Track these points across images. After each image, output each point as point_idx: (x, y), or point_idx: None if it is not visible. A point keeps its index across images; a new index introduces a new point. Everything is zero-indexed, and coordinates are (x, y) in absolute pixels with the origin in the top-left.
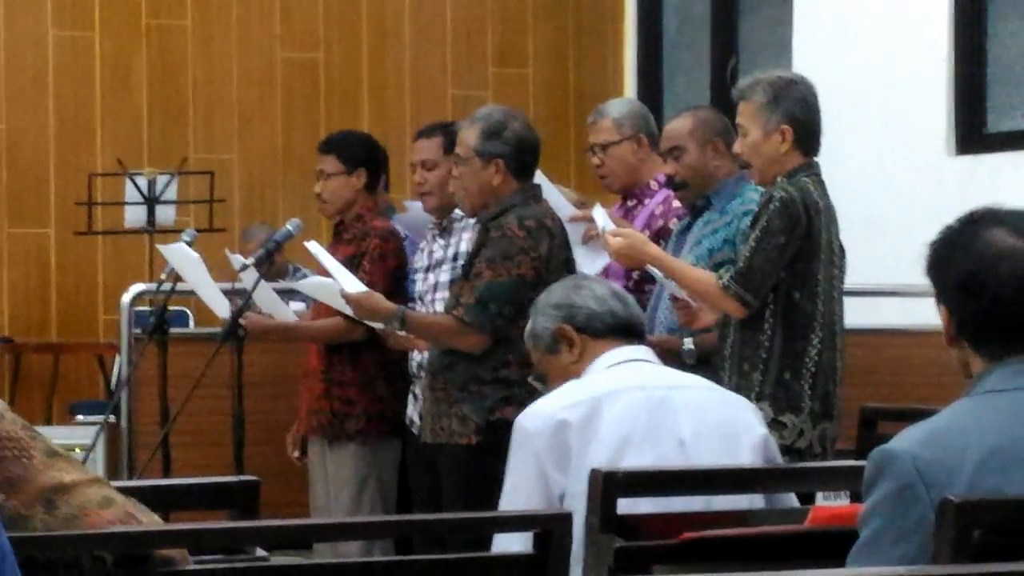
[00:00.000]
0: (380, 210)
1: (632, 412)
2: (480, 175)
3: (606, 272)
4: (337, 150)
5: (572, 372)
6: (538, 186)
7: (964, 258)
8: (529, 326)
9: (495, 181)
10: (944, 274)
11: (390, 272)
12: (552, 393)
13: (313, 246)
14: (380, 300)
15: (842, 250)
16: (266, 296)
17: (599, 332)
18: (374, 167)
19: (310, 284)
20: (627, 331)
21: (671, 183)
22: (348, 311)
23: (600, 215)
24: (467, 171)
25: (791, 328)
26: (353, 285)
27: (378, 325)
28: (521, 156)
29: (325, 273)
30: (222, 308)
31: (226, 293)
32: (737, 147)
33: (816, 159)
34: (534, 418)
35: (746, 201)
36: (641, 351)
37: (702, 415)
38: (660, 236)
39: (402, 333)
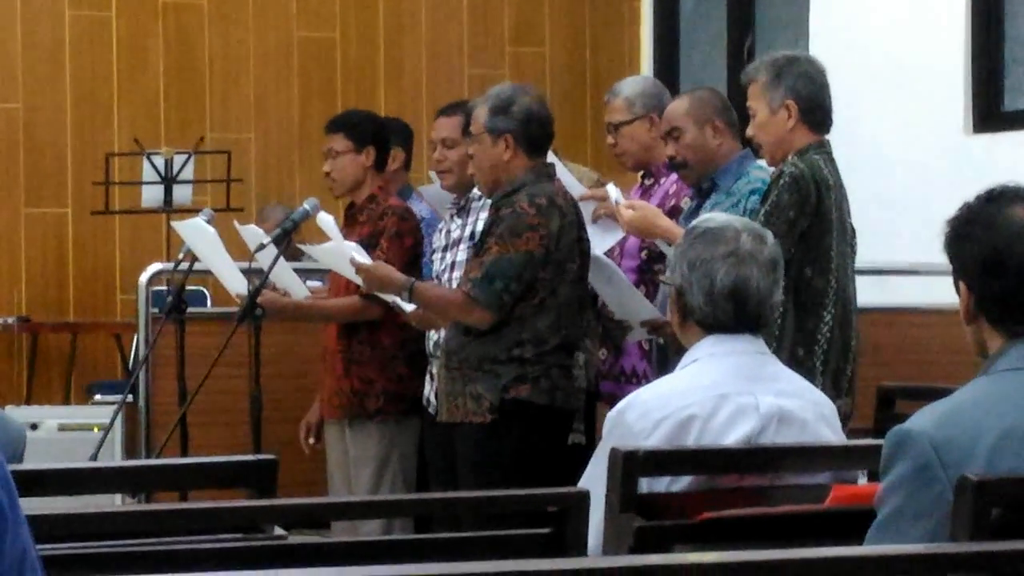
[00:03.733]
0: (399, 189)
1: (741, 423)
2: (491, 151)
3: (620, 249)
4: (345, 128)
5: (680, 333)
6: (551, 164)
7: (984, 236)
8: (676, 250)
9: (505, 156)
10: (963, 252)
11: (407, 250)
12: (655, 387)
13: (324, 220)
14: (390, 271)
15: (853, 229)
16: (283, 274)
17: (699, 323)
18: (382, 145)
19: (321, 250)
20: (734, 328)
21: (672, 164)
22: (357, 278)
23: (613, 191)
24: (479, 148)
25: (803, 305)
26: (364, 259)
27: (390, 298)
28: (530, 131)
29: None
30: (236, 284)
31: (243, 272)
32: (749, 130)
33: (827, 138)
34: (641, 418)
35: (751, 180)
36: (739, 344)
37: (803, 434)
38: (674, 214)
39: (410, 307)
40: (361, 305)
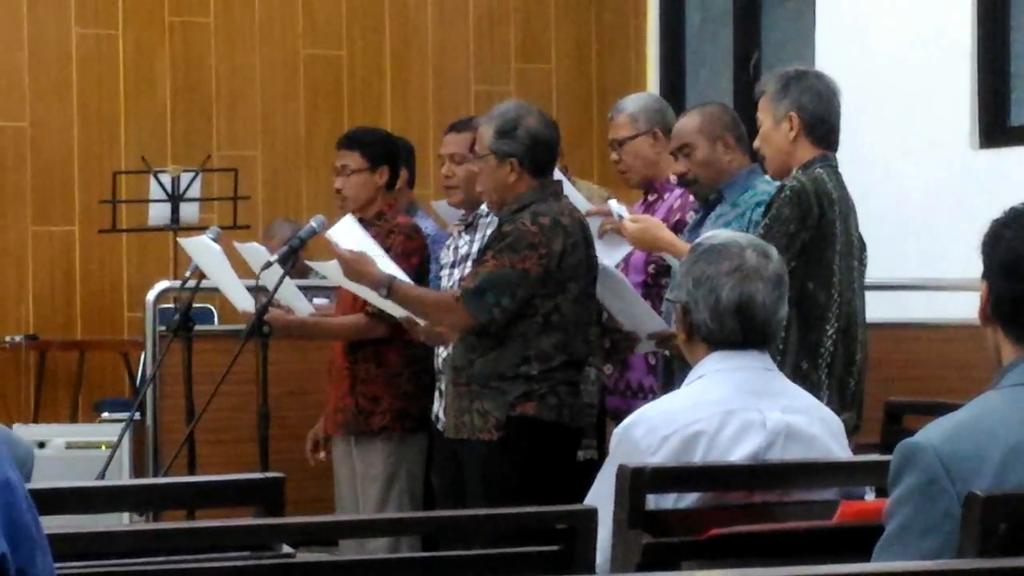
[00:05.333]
0: (403, 207)
1: (748, 439)
2: (496, 173)
3: (627, 264)
4: (361, 147)
5: (686, 350)
6: (559, 182)
7: (1015, 239)
8: (681, 267)
9: (511, 179)
10: (992, 250)
11: (413, 269)
12: (661, 403)
13: (334, 231)
14: (370, 264)
15: (862, 243)
16: (286, 292)
17: (705, 339)
18: (395, 165)
19: (329, 266)
20: (740, 344)
21: (682, 181)
22: (361, 293)
23: (615, 206)
24: (484, 168)
25: (806, 318)
26: (373, 253)
27: (399, 312)
28: (535, 154)
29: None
30: (242, 300)
31: (250, 290)
32: (755, 142)
33: (833, 154)
34: (647, 435)
35: (757, 193)
36: (745, 360)
37: (810, 450)
38: (678, 229)
39: (403, 313)
40: (366, 323)
